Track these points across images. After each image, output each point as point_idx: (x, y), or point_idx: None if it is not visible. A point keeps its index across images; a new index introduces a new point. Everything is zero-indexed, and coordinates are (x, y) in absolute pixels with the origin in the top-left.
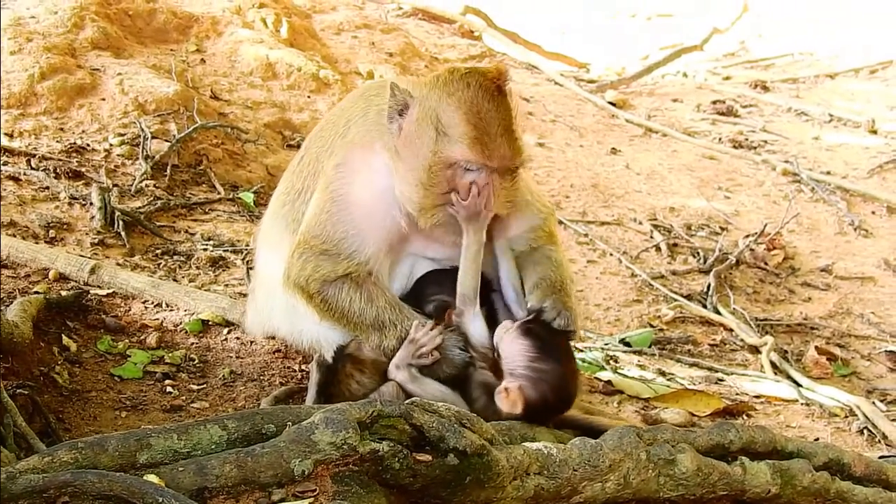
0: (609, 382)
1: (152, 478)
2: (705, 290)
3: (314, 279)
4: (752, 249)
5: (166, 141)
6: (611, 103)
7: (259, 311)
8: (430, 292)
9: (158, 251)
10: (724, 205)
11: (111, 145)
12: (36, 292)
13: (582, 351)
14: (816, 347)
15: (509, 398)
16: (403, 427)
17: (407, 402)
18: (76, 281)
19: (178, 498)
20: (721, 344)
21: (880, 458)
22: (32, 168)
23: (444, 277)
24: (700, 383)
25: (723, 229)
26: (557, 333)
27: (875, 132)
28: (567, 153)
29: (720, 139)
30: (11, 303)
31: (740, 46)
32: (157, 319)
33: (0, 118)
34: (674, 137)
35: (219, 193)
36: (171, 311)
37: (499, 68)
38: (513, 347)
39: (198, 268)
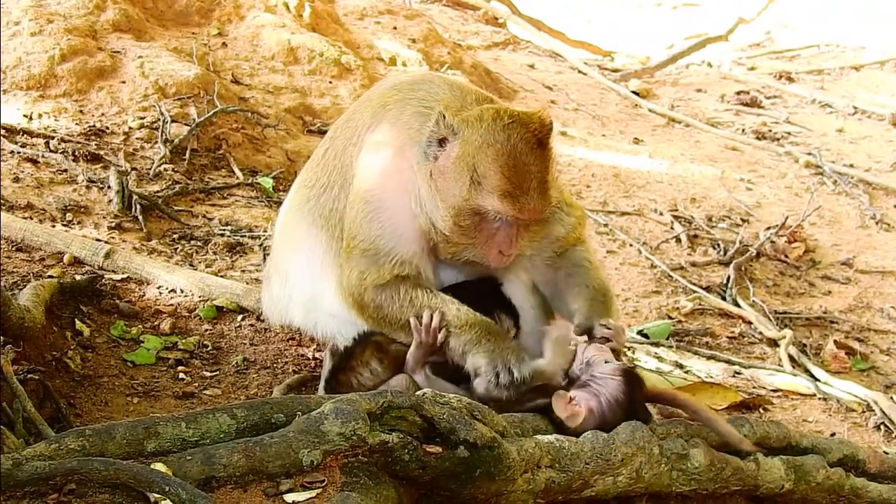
0: None
1: (160, 466)
2: (725, 282)
3: (365, 286)
4: (772, 242)
5: (186, 125)
6: (634, 93)
7: (275, 299)
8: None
9: (175, 236)
10: (746, 196)
11: (130, 128)
12: (50, 276)
13: None
14: (835, 341)
15: (571, 408)
16: (414, 418)
17: (418, 392)
18: (91, 265)
19: (185, 487)
20: (739, 336)
21: None
22: (51, 150)
23: (464, 290)
24: (717, 376)
25: (744, 221)
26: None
27: None
28: (589, 142)
29: (743, 130)
30: (25, 286)
31: (766, 37)
32: (172, 305)
33: (0, 98)
34: (697, 128)
35: (238, 178)
36: (185, 296)
37: (542, 118)
38: (602, 367)
39: (215, 253)
